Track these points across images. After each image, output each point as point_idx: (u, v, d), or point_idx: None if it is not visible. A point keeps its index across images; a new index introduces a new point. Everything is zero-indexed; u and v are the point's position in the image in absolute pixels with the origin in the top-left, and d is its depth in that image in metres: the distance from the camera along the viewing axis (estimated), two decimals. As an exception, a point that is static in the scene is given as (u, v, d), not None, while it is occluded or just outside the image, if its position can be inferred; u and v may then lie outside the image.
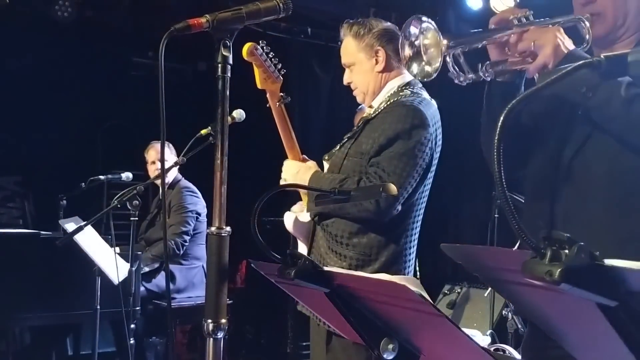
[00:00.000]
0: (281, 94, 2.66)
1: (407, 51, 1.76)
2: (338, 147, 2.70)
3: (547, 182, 1.85)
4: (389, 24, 2.68)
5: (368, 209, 2.41)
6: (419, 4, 5.75)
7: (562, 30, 1.76)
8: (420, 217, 2.63)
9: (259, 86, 2.63)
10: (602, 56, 0.91)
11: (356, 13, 6.08)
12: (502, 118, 0.84)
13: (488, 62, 1.82)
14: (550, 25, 1.78)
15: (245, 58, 2.56)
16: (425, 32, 1.72)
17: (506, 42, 1.80)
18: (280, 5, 1.58)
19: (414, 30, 1.74)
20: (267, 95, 2.67)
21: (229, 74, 1.52)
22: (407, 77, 2.63)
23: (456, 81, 1.78)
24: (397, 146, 2.44)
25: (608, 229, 1.72)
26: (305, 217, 2.66)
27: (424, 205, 2.64)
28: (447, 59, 1.74)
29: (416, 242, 2.62)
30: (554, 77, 0.86)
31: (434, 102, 2.63)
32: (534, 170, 1.94)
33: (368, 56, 2.60)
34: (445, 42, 1.69)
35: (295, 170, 2.65)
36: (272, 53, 2.61)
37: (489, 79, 1.82)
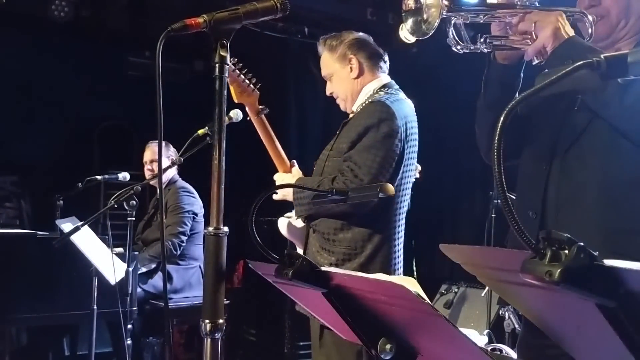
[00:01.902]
0: (260, 106, 2.80)
1: (410, 3, 1.76)
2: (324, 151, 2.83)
3: (540, 172, 1.86)
4: (360, 34, 2.86)
5: (345, 182, 2.54)
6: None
7: (564, 15, 1.77)
8: (404, 208, 2.74)
9: (235, 101, 2.79)
10: (602, 57, 0.91)
11: (353, 13, 6.08)
12: (501, 119, 0.84)
13: (488, 35, 1.84)
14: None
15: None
16: None
17: (508, 23, 1.81)
18: (278, 5, 1.58)
19: None
20: (247, 109, 2.79)
21: (226, 74, 1.52)
22: (383, 79, 2.78)
23: (454, 49, 1.80)
24: (366, 139, 2.58)
25: (600, 222, 1.74)
26: (299, 222, 2.78)
27: (406, 197, 2.74)
28: (448, 28, 1.76)
29: (402, 233, 2.73)
30: (553, 78, 0.86)
31: (409, 101, 2.76)
32: (528, 160, 1.95)
33: (342, 65, 2.77)
34: (446, 2, 1.70)
35: (281, 180, 2.82)
36: (245, 69, 2.75)
37: (486, 51, 1.84)
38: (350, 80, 2.76)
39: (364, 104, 2.70)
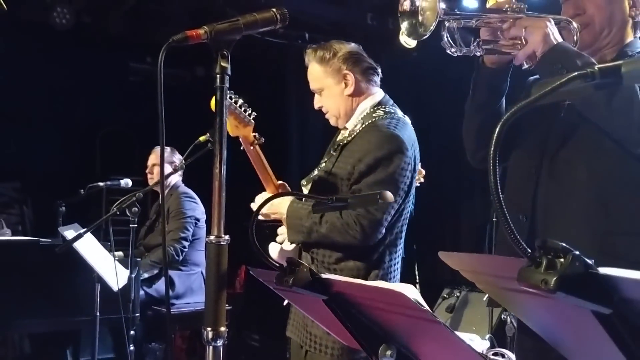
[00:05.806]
0: (254, 134, 2.61)
1: (406, 6, 1.80)
2: (316, 171, 2.67)
3: (529, 175, 1.90)
4: (352, 45, 2.66)
5: (355, 237, 2.40)
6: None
7: (552, 21, 1.83)
8: (403, 234, 2.61)
9: (231, 134, 2.54)
10: (595, 67, 0.92)
11: (353, 18, 6.10)
12: (497, 129, 0.85)
13: (480, 39, 1.89)
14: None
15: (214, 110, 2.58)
16: None
17: (499, 28, 1.87)
18: (277, 15, 1.60)
19: None
20: (241, 140, 2.61)
21: (227, 84, 1.53)
22: (377, 96, 2.62)
23: (448, 51, 1.85)
24: (377, 174, 2.42)
25: (589, 223, 1.78)
26: (290, 246, 2.64)
27: (406, 222, 2.62)
28: (443, 31, 1.81)
29: (400, 259, 2.61)
30: (549, 88, 0.87)
31: (407, 119, 2.61)
32: (516, 164, 1.98)
33: (336, 80, 2.59)
34: (442, 7, 1.74)
35: (277, 201, 2.61)
36: (241, 100, 2.57)
37: (479, 54, 1.90)
38: (344, 97, 2.59)
39: (363, 125, 2.55)
